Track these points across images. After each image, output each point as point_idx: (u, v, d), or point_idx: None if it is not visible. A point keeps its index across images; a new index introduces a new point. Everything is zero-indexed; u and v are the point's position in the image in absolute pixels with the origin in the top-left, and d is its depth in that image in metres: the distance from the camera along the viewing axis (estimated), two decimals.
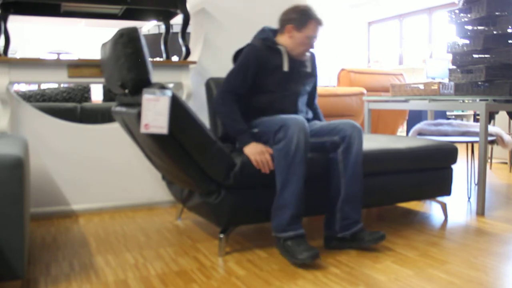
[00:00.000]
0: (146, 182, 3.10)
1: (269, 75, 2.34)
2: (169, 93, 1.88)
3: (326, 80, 8.97)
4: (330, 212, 2.23)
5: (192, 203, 2.29)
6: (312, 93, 2.57)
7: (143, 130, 1.87)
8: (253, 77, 2.31)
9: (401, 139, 2.78)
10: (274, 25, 3.59)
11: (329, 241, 2.22)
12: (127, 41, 1.93)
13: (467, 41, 3.20)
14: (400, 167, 2.54)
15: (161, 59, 3.14)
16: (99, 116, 3.67)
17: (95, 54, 11.42)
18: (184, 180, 2.16)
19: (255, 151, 2.12)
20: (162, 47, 3.23)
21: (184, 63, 3.04)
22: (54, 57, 9.55)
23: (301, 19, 2.30)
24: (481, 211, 2.86)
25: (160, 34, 6.95)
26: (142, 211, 3.01)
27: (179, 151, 1.97)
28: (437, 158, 2.66)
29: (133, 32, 1.94)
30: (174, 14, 3.17)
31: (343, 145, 2.18)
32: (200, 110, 3.23)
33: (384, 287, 1.76)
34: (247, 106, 2.34)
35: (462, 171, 4.60)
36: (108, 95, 4.20)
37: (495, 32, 3.04)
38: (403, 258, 2.08)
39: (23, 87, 8.69)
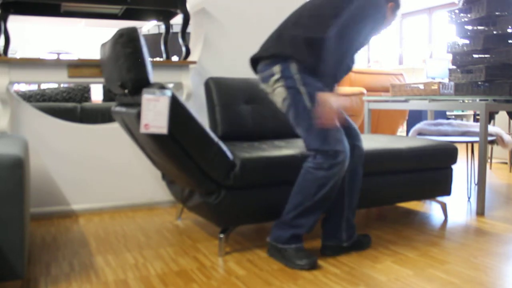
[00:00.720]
0: (146, 182, 3.10)
1: (367, 34, 1.98)
2: (169, 93, 1.88)
3: None
4: (336, 219, 2.11)
5: (192, 203, 2.29)
6: None
7: (143, 130, 1.87)
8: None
9: (401, 139, 2.78)
10: (274, 24, 3.58)
11: (332, 250, 2.11)
12: (127, 41, 1.93)
13: (467, 41, 3.20)
14: (400, 167, 2.54)
15: (161, 59, 3.14)
16: (99, 116, 3.67)
17: (95, 54, 11.42)
18: (185, 180, 2.16)
19: (331, 104, 1.83)
20: (162, 47, 3.23)
21: (184, 63, 3.04)
22: (54, 57, 9.55)
23: (397, 8, 2.05)
24: (481, 211, 2.86)
25: (160, 34, 6.95)
26: (142, 211, 3.01)
27: (179, 151, 1.97)
28: (437, 158, 2.66)
29: (133, 32, 1.94)
30: (174, 14, 3.17)
31: (354, 151, 2.10)
32: (200, 110, 3.23)
33: (384, 287, 1.76)
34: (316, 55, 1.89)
35: (462, 171, 4.60)
36: (108, 95, 4.21)
37: (495, 32, 3.04)
38: (403, 258, 2.08)
39: (23, 87, 8.69)
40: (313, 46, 1.90)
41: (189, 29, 3.38)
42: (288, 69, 1.92)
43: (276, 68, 1.94)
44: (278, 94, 1.96)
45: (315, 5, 2.00)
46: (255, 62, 2.13)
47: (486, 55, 3.13)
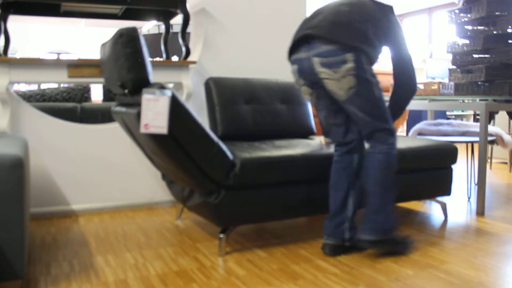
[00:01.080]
0: (146, 182, 3.10)
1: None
2: (169, 93, 1.88)
3: None
4: (340, 218, 2.13)
5: (192, 203, 2.29)
6: None
7: (142, 130, 1.87)
8: None
9: (401, 139, 2.78)
10: (274, 24, 3.59)
11: (334, 248, 2.13)
12: (127, 41, 1.93)
13: (467, 41, 3.20)
14: (400, 167, 2.53)
15: (161, 59, 3.14)
16: (99, 116, 3.67)
17: (95, 54, 11.42)
18: (184, 180, 2.16)
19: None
20: (162, 47, 3.23)
21: (184, 63, 3.04)
22: (54, 57, 9.54)
23: None
24: (481, 211, 2.86)
25: (160, 34, 6.95)
26: (142, 211, 3.01)
27: (179, 151, 1.97)
28: (437, 158, 2.66)
29: (133, 32, 1.94)
30: (174, 14, 3.17)
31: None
32: (200, 110, 3.24)
33: (384, 287, 1.76)
34: (374, 52, 2.08)
35: (462, 171, 4.60)
36: (108, 95, 4.20)
37: (495, 32, 3.04)
38: (403, 258, 2.08)
39: (23, 87, 8.69)
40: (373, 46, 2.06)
41: (189, 29, 3.38)
42: (361, 61, 1.99)
43: (349, 57, 1.97)
44: (346, 82, 1.99)
45: (364, 10, 2.08)
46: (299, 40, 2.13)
47: (486, 55, 3.13)
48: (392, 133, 2.10)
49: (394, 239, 2.11)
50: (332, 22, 2.04)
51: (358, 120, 2.08)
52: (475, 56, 3.17)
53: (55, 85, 4.32)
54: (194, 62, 3.06)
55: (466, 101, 3.30)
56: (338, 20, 2.04)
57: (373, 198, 2.06)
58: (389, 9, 2.13)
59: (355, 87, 1.99)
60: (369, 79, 2.02)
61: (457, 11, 3.24)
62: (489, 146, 4.97)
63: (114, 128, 3.01)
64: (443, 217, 2.80)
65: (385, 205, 2.06)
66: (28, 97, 3.81)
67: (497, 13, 3.03)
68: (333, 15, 2.07)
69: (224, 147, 2.08)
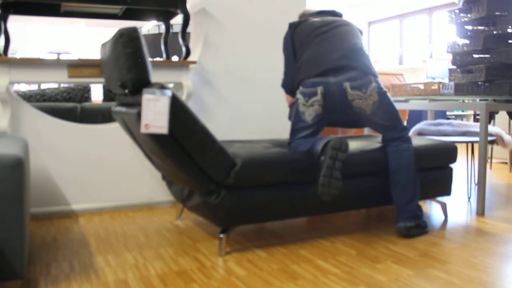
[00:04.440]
0: (146, 182, 3.10)
1: None
2: (169, 93, 1.88)
3: None
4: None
5: (192, 203, 2.29)
6: None
7: (143, 130, 1.87)
8: None
9: None
10: (274, 24, 3.59)
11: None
12: (127, 41, 1.93)
13: (467, 41, 3.20)
14: None
15: (161, 59, 3.14)
16: (99, 116, 3.67)
17: (95, 54, 11.42)
18: (184, 180, 2.16)
19: None
20: (162, 47, 3.23)
21: (184, 63, 3.04)
22: (54, 57, 9.52)
23: None
24: (481, 211, 2.86)
25: (160, 34, 6.95)
26: (142, 211, 3.01)
27: (179, 151, 1.98)
28: (437, 157, 2.66)
29: (133, 32, 1.94)
30: (174, 14, 3.17)
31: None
32: (200, 110, 3.24)
33: (384, 287, 1.76)
34: None
35: (462, 171, 4.60)
36: (108, 95, 4.20)
37: (495, 32, 3.04)
38: (403, 258, 2.08)
39: (23, 87, 8.69)
40: None
41: (189, 29, 3.38)
42: (378, 81, 2.41)
43: (372, 78, 2.38)
44: (372, 99, 2.35)
45: (359, 42, 2.51)
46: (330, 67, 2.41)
47: (486, 55, 3.13)
48: (407, 129, 2.43)
49: (423, 221, 2.43)
50: (352, 51, 2.41)
51: (381, 128, 2.41)
52: (475, 56, 3.17)
53: (55, 85, 4.32)
54: (194, 62, 3.06)
55: (466, 101, 3.31)
56: (354, 49, 2.43)
57: (407, 190, 2.36)
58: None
59: (378, 101, 2.35)
60: (385, 90, 2.40)
61: (457, 11, 3.24)
62: (489, 146, 4.98)
63: (114, 128, 3.01)
64: (443, 217, 2.80)
65: (416, 194, 2.38)
66: (28, 97, 3.81)
67: (497, 13, 3.03)
68: (347, 42, 2.44)
69: (224, 146, 2.08)
